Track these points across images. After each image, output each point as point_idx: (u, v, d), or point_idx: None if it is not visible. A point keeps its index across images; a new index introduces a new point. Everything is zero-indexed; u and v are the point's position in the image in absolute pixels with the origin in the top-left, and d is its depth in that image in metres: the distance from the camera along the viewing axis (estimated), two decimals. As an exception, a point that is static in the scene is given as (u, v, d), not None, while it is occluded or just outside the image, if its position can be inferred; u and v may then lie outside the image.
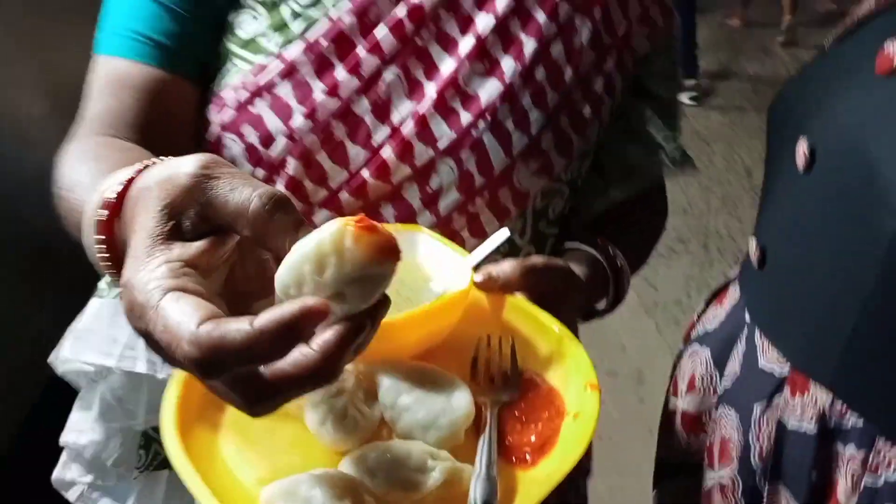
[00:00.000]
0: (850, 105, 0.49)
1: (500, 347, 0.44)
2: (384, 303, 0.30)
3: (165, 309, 0.27)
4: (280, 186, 0.57)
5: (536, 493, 0.36)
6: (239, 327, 0.26)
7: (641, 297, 2.56)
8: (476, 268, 0.48)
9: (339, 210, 0.57)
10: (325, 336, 0.27)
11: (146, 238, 0.30)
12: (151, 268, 0.29)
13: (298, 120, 0.55)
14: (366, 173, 0.56)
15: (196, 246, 0.30)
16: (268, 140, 0.55)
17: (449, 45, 0.57)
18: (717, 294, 0.70)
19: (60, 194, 0.47)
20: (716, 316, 0.67)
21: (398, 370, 0.41)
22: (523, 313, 0.47)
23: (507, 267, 0.49)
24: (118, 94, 0.55)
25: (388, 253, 0.28)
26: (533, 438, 0.40)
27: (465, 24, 0.57)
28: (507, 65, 0.57)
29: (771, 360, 0.59)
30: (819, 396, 0.53)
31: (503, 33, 0.57)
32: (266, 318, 0.26)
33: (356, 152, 0.56)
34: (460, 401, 0.40)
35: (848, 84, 0.50)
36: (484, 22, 0.57)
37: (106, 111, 0.55)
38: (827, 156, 0.51)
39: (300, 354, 0.27)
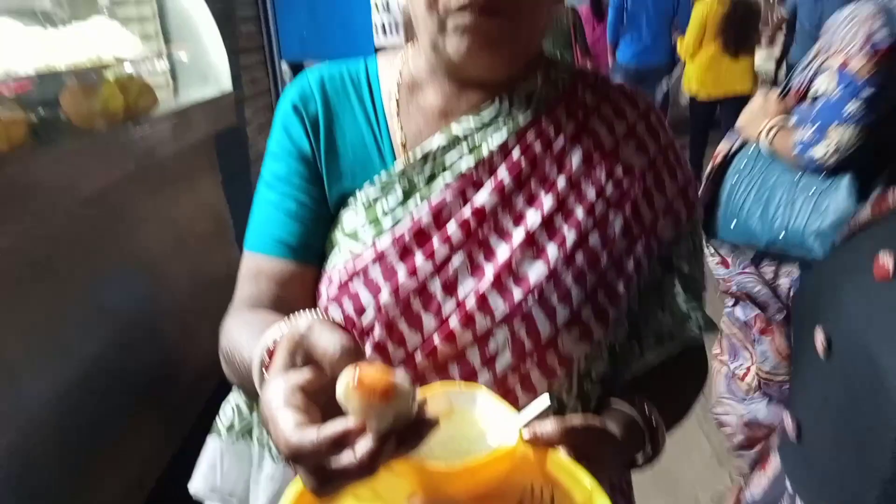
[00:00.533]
0: (856, 305, 0.55)
1: (542, 496, 0.51)
2: (422, 424, 0.44)
3: (276, 418, 0.43)
4: (367, 348, 0.69)
5: None
6: (310, 437, 0.41)
7: (714, 446, 2.47)
8: (524, 425, 0.56)
9: (413, 368, 0.67)
10: (360, 445, 0.41)
11: (275, 370, 0.48)
12: (273, 388, 0.45)
13: (385, 296, 0.68)
14: (436, 339, 0.67)
15: (303, 375, 0.46)
16: (361, 311, 0.68)
17: (504, 235, 0.69)
18: (761, 459, 0.74)
19: (225, 354, 0.69)
20: (760, 483, 0.71)
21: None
22: (562, 467, 0.54)
23: (549, 426, 0.56)
24: (258, 281, 0.74)
25: (381, 397, 0.41)
26: None
27: (518, 219, 0.69)
28: (552, 251, 0.68)
29: None
30: None
31: (549, 226, 0.69)
32: (324, 431, 0.41)
33: (429, 321, 0.67)
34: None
35: (853, 283, 0.56)
36: (532, 217, 0.69)
37: (249, 295, 0.74)
38: (841, 347, 0.56)
39: (346, 456, 0.41)
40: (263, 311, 0.71)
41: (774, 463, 0.67)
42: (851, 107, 1.12)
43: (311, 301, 0.74)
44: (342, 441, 0.42)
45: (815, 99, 1.24)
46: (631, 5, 4.96)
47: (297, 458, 0.42)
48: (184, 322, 2.12)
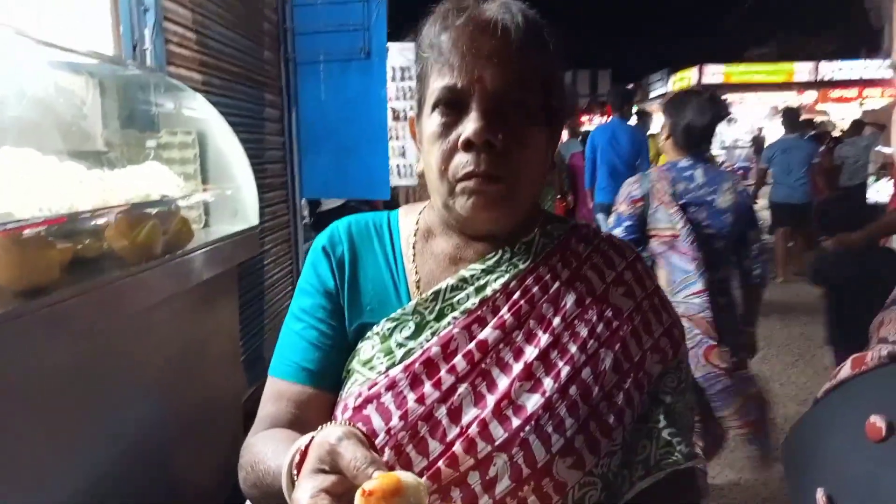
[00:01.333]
0: (856, 466, 0.53)
1: None
2: None
3: None
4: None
5: None
6: None
7: None
8: None
9: None
10: None
11: (305, 472, 0.56)
12: (303, 488, 0.54)
13: (395, 421, 0.75)
14: (440, 463, 0.73)
15: (329, 480, 0.54)
16: (373, 434, 0.75)
17: (505, 368, 0.77)
18: None
19: (247, 467, 0.75)
20: None
21: None
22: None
23: None
24: (279, 402, 0.82)
25: (390, 496, 0.49)
26: None
27: (517, 353, 0.78)
28: (548, 384, 0.75)
29: None
30: None
31: (545, 360, 0.77)
32: None
33: (434, 446, 0.74)
34: None
35: (850, 443, 0.55)
36: (530, 352, 0.77)
37: (270, 414, 0.83)
38: None
39: None
40: (284, 430, 0.79)
41: None
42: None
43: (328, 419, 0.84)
44: None
45: None
46: (600, 156, 5.59)
47: None
48: (194, 441, 2.16)
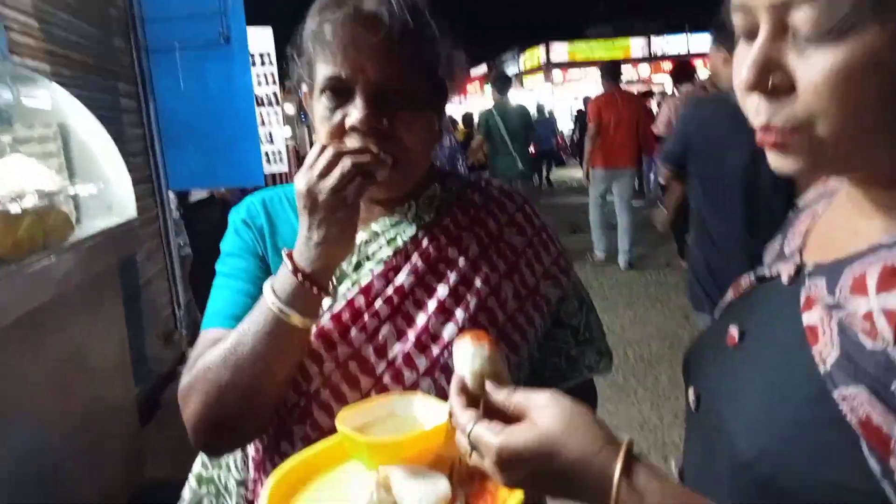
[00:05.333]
0: (713, 369, 0.66)
1: (468, 465, 0.72)
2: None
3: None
4: (315, 407, 0.84)
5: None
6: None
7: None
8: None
9: None
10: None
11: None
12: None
13: (328, 364, 0.85)
14: (372, 394, 0.84)
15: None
16: (308, 379, 0.85)
17: (421, 307, 0.88)
18: None
19: (209, 366, 0.83)
20: None
21: (406, 471, 0.68)
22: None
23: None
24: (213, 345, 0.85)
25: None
26: None
27: (431, 293, 0.89)
28: (460, 315, 0.88)
29: None
30: None
31: (455, 296, 0.89)
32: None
33: (366, 382, 0.85)
34: (442, 486, 0.67)
35: (714, 351, 0.68)
36: (442, 290, 0.89)
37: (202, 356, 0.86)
38: (704, 403, 0.66)
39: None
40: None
41: None
42: None
43: None
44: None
45: None
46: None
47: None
48: (89, 446, 2.10)
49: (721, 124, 2.23)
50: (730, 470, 0.57)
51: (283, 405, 0.87)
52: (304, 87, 0.92)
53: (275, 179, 5.37)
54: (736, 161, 2.21)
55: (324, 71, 0.84)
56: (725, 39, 2.31)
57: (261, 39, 5.24)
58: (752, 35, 0.53)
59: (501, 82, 6.41)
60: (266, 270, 0.93)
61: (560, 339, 0.97)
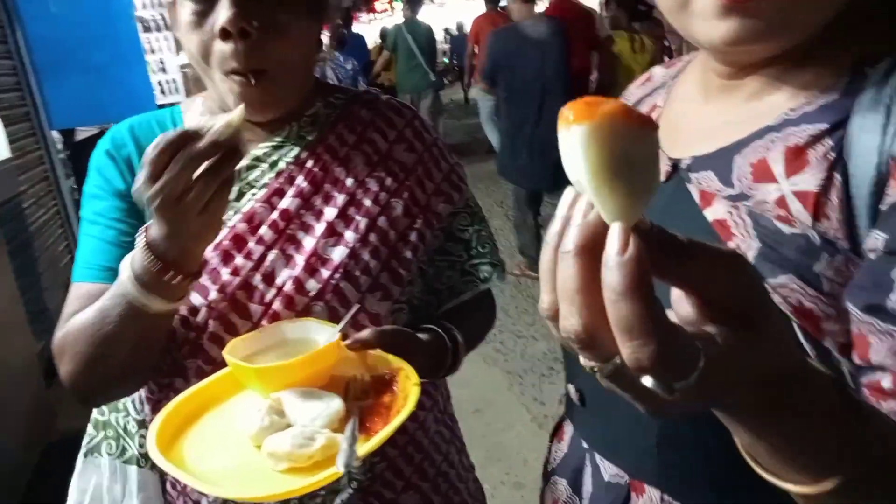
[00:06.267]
0: None
1: (363, 381, 0.71)
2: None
3: None
4: (205, 340, 0.81)
5: (377, 442, 0.62)
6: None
7: (533, 414, 2.82)
8: (346, 336, 0.75)
9: None
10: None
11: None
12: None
13: (213, 295, 0.82)
14: (263, 321, 0.81)
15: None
16: (195, 312, 0.82)
17: (308, 230, 0.85)
18: (556, 431, 0.82)
19: (76, 334, 0.79)
20: (559, 450, 0.78)
21: (297, 393, 0.67)
22: (377, 358, 0.75)
23: (366, 332, 0.76)
24: (86, 303, 0.80)
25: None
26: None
27: (318, 215, 0.86)
28: (350, 236, 0.85)
29: (613, 474, 0.66)
30: (653, 495, 0.62)
31: (344, 217, 0.86)
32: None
33: (255, 309, 0.82)
34: (335, 404, 0.66)
35: None
36: (330, 212, 0.86)
37: (74, 312, 0.82)
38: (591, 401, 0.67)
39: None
40: None
41: (569, 430, 0.77)
42: None
43: None
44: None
45: None
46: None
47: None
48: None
49: (515, 47, 3.52)
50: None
51: (173, 341, 0.83)
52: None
53: (174, 112, 5.02)
54: (527, 72, 3.51)
55: None
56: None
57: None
58: None
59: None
60: (130, 208, 0.87)
61: (454, 252, 0.96)
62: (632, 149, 0.32)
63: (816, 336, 0.48)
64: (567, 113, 0.32)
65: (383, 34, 11.16)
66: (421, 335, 0.85)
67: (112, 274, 0.80)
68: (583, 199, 0.34)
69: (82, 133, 4.25)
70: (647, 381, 0.32)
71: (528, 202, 3.88)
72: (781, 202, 0.50)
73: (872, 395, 0.45)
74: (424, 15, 6.62)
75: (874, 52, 0.51)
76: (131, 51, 3.84)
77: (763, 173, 0.52)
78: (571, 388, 0.72)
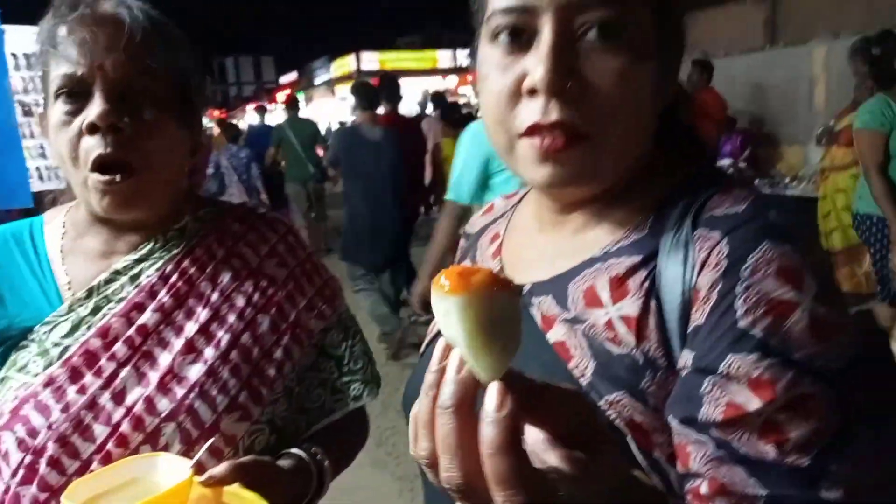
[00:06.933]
0: None
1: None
2: None
3: None
4: (42, 465, 0.75)
5: None
6: None
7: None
8: (202, 470, 0.71)
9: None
10: None
11: None
12: None
13: (55, 415, 0.77)
14: (110, 444, 0.77)
15: None
16: (34, 433, 0.76)
17: (166, 346, 0.83)
18: None
19: None
20: None
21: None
22: (234, 495, 0.71)
23: (222, 467, 0.72)
24: None
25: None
26: None
27: (178, 331, 0.84)
28: (209, 353, 0.83)
29: None
30: None
31: (206, 333, 0.84)
32: None
33: (101, 430, 0.77)
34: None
35: None
36: (190, 328, 0.84)
37: None
38: None
39: None
40: None
41: None
42: None
43: None
44: None
45: None
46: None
47: None
48: None
49: (352, 145, 4.10)
50: None
51: (5, 463, 0.77)
52: (40, 108, 0.85)
53: (55, 201, 4.75)
54: (360, 167, 4.01)
55: (59, 71, 0.78)
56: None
57: (23, 39, 4.60)
58: (520, 37, 0.55)
59: (291, 103, 7.32)
60: None
61: (325, 369, 0.95)
62: (501, 312, 0.37)
63: (647, 448, 0.53)
64: (442, 282, 0.37)
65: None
66: (283, 462, 0.82)
67: None
68: (455, 352, 0.38)
69: (-56, 220, 3.92)
70: None
71: (367, 276, 4.21)
72: (609, 325, 0.56)
73: (694, 499, 0.50)
74: (317, 111, 6.97)
75: (672, 194, 0.59)
76: (7, 135, 3.64)
77: (593, 299, 0.58)
78: None
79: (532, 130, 0.55)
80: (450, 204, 2.52)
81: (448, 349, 0.39)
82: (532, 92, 0.54)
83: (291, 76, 28.66)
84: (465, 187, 2.40)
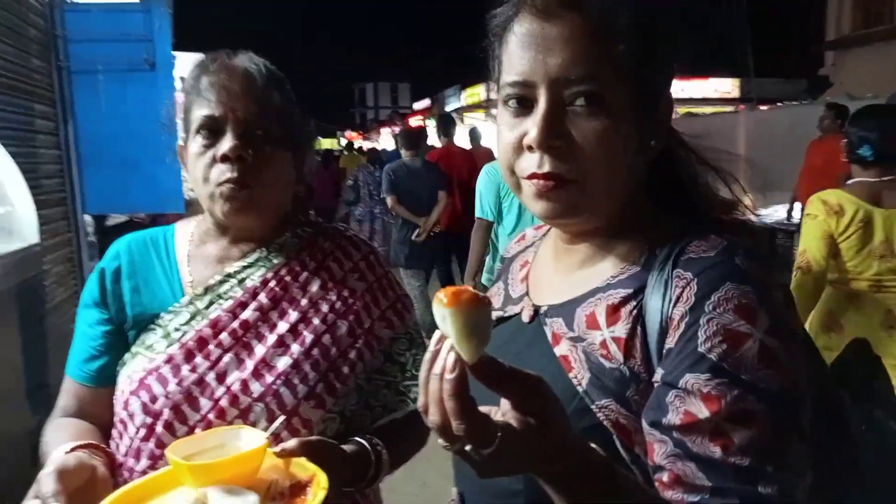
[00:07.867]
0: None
1: (283, 486, 0.82)
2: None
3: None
4: (159, 426, 0.95)
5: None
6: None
7: None
8: (279, 439, 0.85)
9: None
10: None
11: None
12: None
13: (171, 386, 0.96)
14: (210, 415, 0.95)
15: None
16: (154, 399, 0.96)
17: (262, 339, 1.01)
18: None
19: (42, 447, 0.94)
20: None
21: (222, 489, 0.77)
22: (298, 465, 0.85)
23: (292, 442, 0.86)
24: (68, 397, 1.03)
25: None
26: None
27: (272, 328, 1.01)
28: (295, 348, 1.00)
29: None
30: None
31: (294, 331, 1.01)
32: None
33: (205, 403, 0.96)
34: (251, 499, 0.76)
35: None
36: (282, 326, 1.01)
37: (62, 407, 1.03)
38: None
39: None
40: (69, 419, 1.01)
41: None
42: None
43: (108, 407, 1.02)
44: None
45: None
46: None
47: None
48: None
49: (406, 174, 5.15)
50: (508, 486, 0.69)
51: (131, 422, 0.97)
52: (181, 141, 1.06)
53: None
54: (412, 194, 5.07)
55: (200, 112, 0.99)
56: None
57: (191, 64, 5.24)
58: (524, 104, 0.69)
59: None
60: (106, 318, 1.06)
61: (390, 373, 1.09)
62: (478, 320, 0.54)
63: (629, 445, 0.65)
64: (441, 297, 0.54)
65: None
66: (346, 446, 0.95)
67: (86, 377, 1.03)
68: (447, 341, 0.55)
69: (113, 220, 4.54)
70: (468, 448, 0.53)
71: (419, 278, 5.12)
72: (604, 344, 0.68)
73: (659, 486, 0.62)
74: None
75: (662, 237, 0.71)
76: (167, 148, 4.16)
77: (592, 322, 0.70)
78: (454, 490, 0.83)
79: (531, 176, 0.69)
80: (478, 220, 3.60)
81: (443, 338, 0.56)
82: (530, 147, 0.68)
83: (425, 103, 29.83)
84: (487, 207, 3.48)
